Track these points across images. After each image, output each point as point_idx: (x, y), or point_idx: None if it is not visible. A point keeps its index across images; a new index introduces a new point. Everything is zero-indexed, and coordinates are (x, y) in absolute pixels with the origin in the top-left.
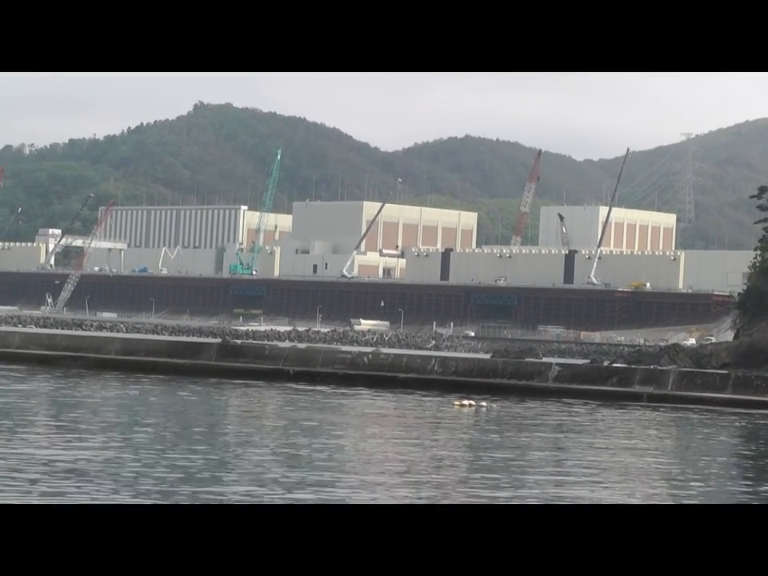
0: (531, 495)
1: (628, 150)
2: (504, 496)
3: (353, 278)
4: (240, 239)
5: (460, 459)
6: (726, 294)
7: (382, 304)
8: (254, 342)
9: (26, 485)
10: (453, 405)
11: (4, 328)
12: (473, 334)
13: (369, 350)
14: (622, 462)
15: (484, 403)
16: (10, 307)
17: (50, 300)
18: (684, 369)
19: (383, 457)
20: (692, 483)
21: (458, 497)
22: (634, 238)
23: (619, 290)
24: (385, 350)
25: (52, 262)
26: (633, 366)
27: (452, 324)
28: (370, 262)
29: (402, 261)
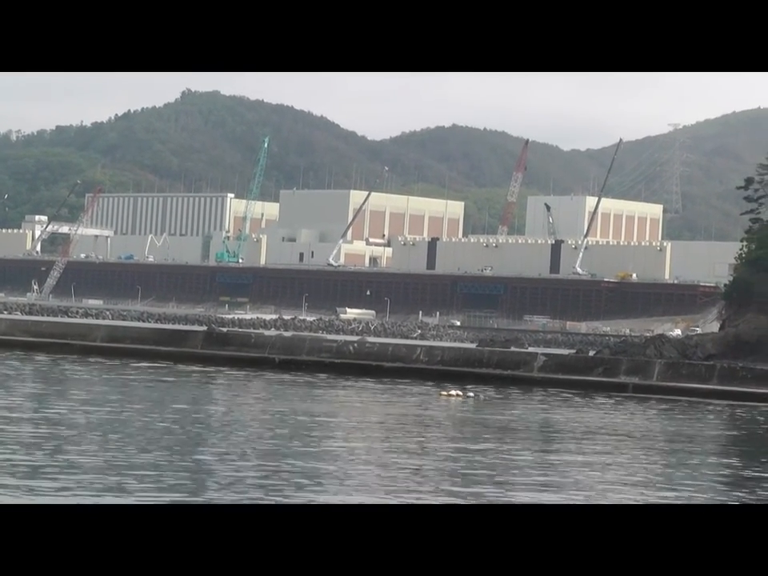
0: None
1: (620, 140)
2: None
3: (339, 266)
4: (227, 227)
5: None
6: (713, 284)
7: (368, 293)
8: (240, 330)
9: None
10: (439, 395)
11: None
12: (459, 323)
13: (354, 338)
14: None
15: (471, 393)
16: None
17: (35, 287)
18: (669, 359)
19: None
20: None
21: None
22: (620, 229)
23: (605, 280)
24: (370, 339)
25: (38, 248)
26: (618, 357)
27: (438, 313)
28: (357, 251)
29: (389, 249)
